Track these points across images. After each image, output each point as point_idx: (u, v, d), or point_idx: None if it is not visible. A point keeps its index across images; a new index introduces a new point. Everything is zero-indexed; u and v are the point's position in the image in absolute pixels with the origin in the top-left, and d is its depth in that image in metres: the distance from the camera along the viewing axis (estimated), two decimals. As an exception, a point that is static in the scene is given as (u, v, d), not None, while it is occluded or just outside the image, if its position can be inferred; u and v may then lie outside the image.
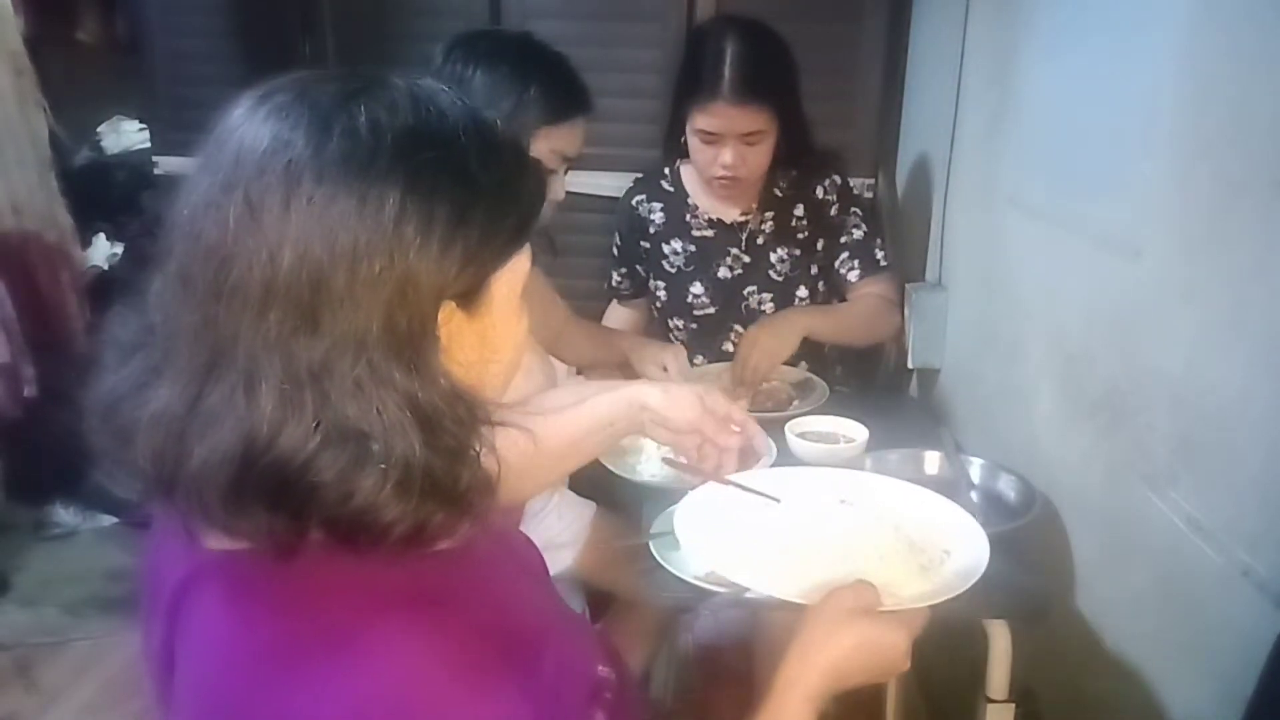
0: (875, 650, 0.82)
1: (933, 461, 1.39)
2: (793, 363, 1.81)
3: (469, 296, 0.63)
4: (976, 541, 0.95)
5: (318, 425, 0.57)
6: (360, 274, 0.57)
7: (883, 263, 1.85)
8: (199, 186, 0.60)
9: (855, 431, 1.42)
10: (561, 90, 1.36)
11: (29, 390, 2.66)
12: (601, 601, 1.43)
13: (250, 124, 0.60)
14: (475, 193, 0.61)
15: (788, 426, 1.41)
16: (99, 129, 3.28)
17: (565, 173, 1.43)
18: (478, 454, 0.63)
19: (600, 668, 0.74)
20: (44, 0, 2.92)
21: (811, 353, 1.87)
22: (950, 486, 1.30)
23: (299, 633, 0.59)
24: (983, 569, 0.90)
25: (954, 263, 1.88)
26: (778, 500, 1.00)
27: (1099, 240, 1.28)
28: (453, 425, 0.61)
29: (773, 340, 1.70)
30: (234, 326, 0.57)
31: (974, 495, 1.35)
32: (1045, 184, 1.47)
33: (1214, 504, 1.03)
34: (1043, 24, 1.49)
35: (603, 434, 1.05)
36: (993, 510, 1.31)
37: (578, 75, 1.40)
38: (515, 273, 0.67)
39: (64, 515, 2.87)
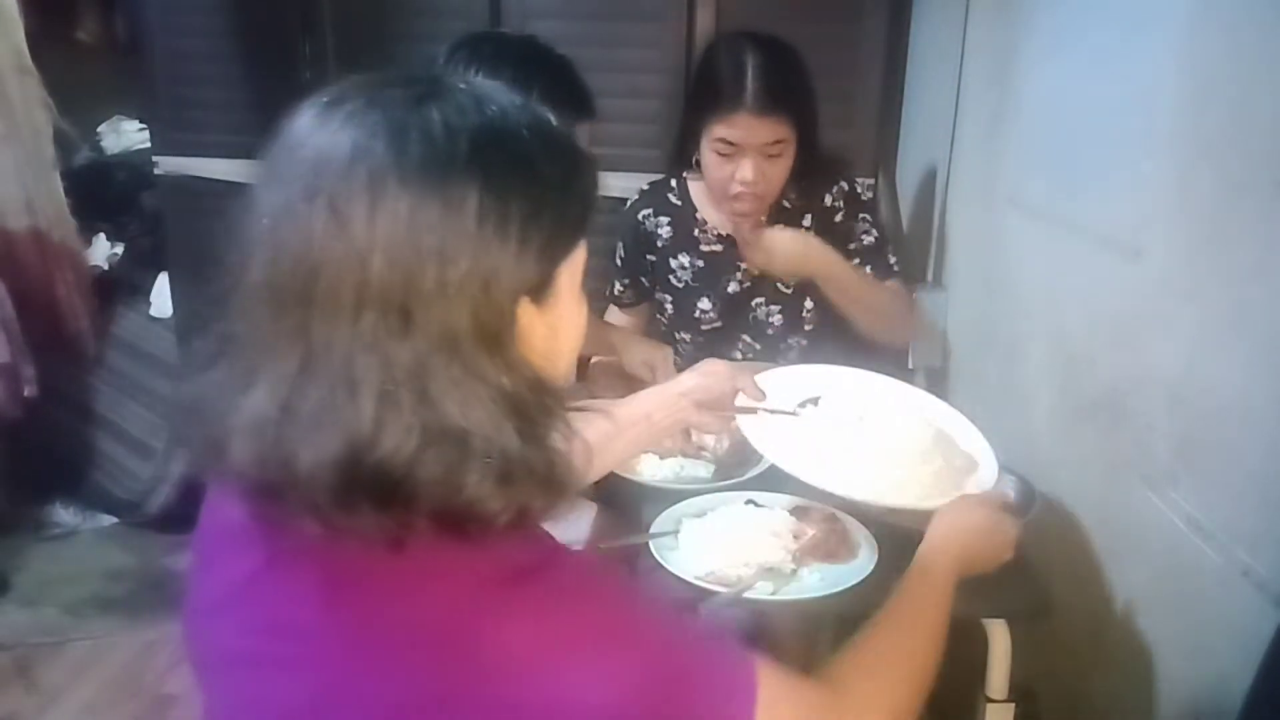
0: (995, 533, 1.01)
1: None
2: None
3: (541, 289, 0.65)
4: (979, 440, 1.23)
5: (419, 423, 0.59)
6: (448, 274, 0.59)
7: (895, 267, 1.81)
8: (275, 196, 0.62)
9: None
10: (564, 95, 1.36)
11: (29, 390, 2.66)
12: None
13: (324, 133, 0.61)
14: (543, 188, 0.63)
15: None
16: (99, 129, 3.27)
17: None
18: (566, 438, 0.66)
19: None
20: (44, 0, 2.92)
21: (814, 345, 1.87)
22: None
23: (413, 615, 0.62)
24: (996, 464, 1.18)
25: (954, 263, 1.88)
26: (796, 414, 1.17)
27: (1099, 240, 1.28)
28: (540, 414, 0.64)
29: (795, 245, 1.64)
30: (328, 332, 0.59)
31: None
32: (1045, 184, 1.47)
33: (1214, 504, 1.03)
34: (1043, 24, 1.49)
35: (641, 426, 1.14)
36: None
37: (581, 79, 1.39)
38: (577, 263, 0.69)
39: (64, 515, 2.87)
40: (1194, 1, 1.07)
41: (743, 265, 1.80)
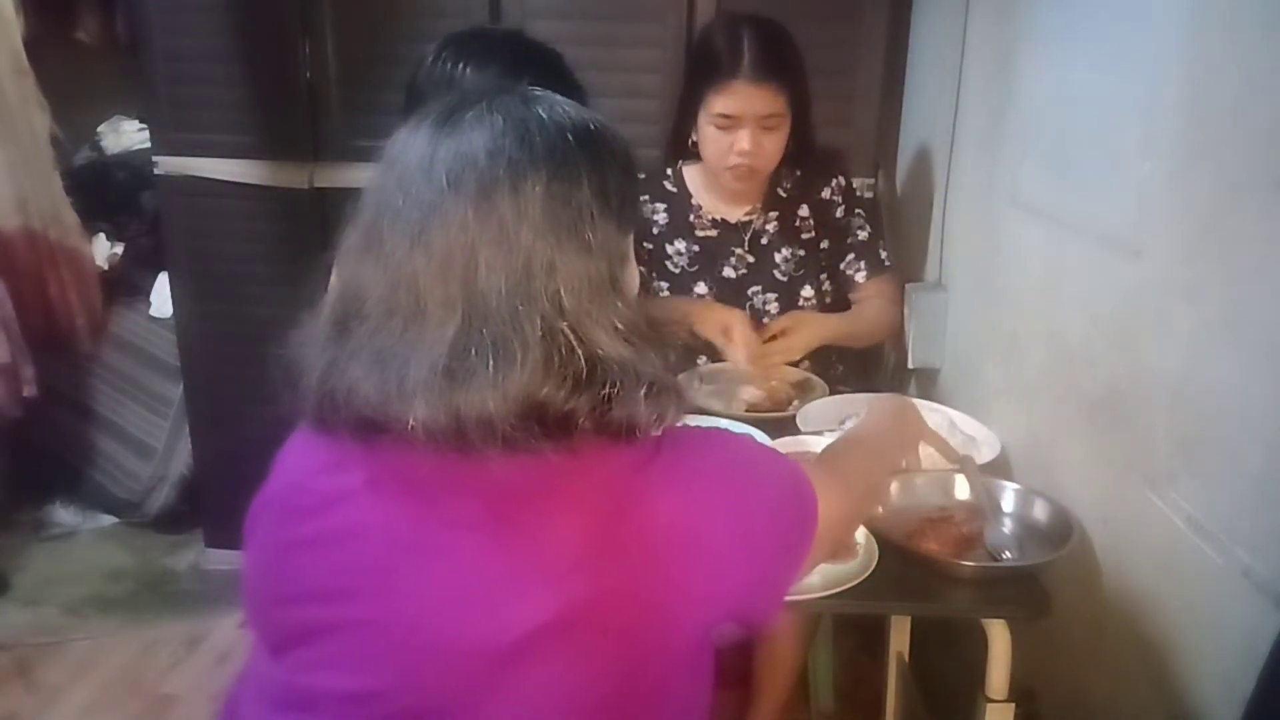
0: (910, 424, 1.24)
1: (963, 485, 1.36)
2: (793, 362, 1.81)
3: (626, 252, 0.79)
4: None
5: (581, 357, 0.71)
6: (580, 238, 0.73)
7: (887, 262, 1.87)
8: (420, 195, 0.73)
9: None
10: (553, 87, 1.35)
11: (29, 390, 2.66)
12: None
13: (454, 138, 0.74)
14: (620, 168, 0.78)
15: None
16: (99, 129, 3.27)
17: None
18: (677, 358, 0.80)
19: None
20: (44, 0, 2.92)
21: (812, 352, 1.87)
22: (979, 511, 1.30)
23: (596, 520, 0.73)
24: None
25: (954, 263, 1.88)
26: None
27: (1099, 240, 1.28)
28: (659, 339, 0.77)
29: (811, 329, 1.77)
30: (492, 296, 0.71)
31: (1007, 524, 1.32)
32: (1045, 184, 1.47)
33: (1214, 504, 1.03)
34: (1043, 23, 1.49)
35: None
36: (1029, 539, 1.28)
37: (570, 71, 1.38)
38: (633, 234, 0.82)
39: (64, 515, 2.87)
40: (1194, 1, 1.07)
41: (737, 250, 1.82)
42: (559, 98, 0.80)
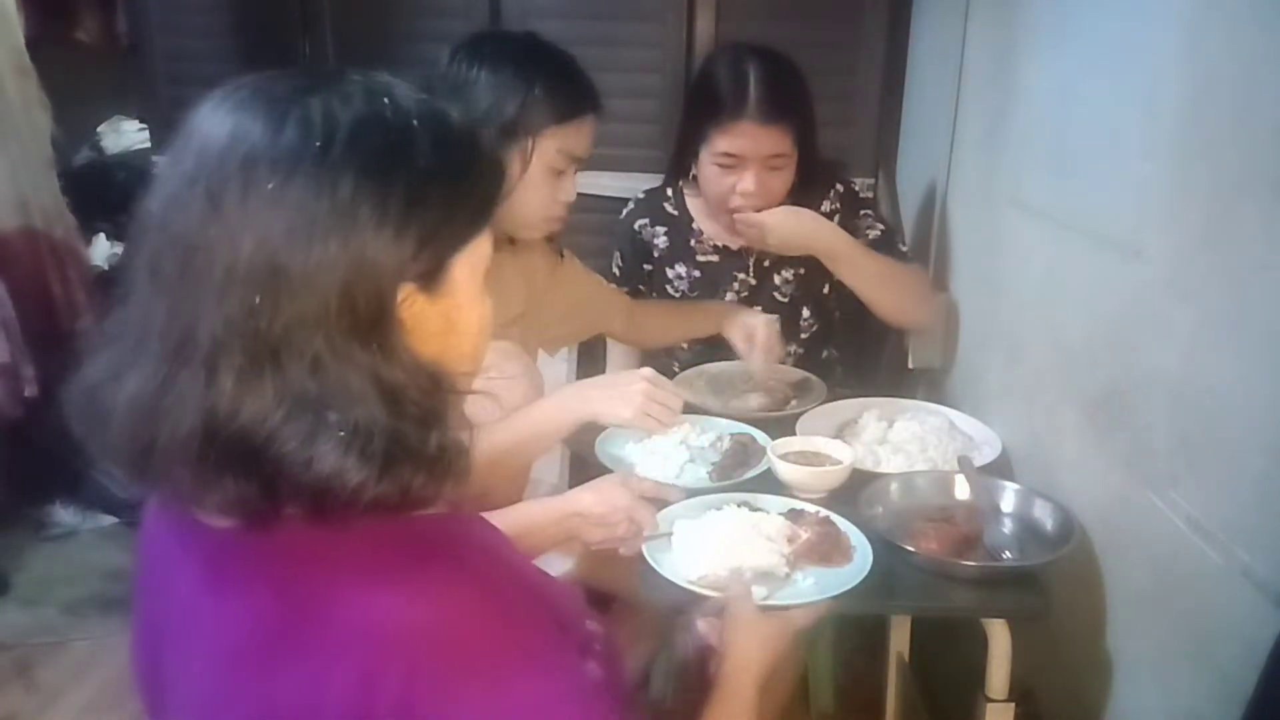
0: (780, 642, 1.00)
1: (963, 485, 1.35)
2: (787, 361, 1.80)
3: (429, 278, 0.65)
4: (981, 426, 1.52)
5: (278, 400, 0.60)
6: (315, 255, 0.60)
7: (908, 256, 1.79)
8: (167, 182, 0.63)
9: (840, 452, 1.39)
10: (567, 89, 1.36)
11: (29, 390, 2.66)
12: (601, 602, 1.43)
13: (213, 120, 0.63)
14: (428, 178, 0.64)
15: (770, 448, 1.40)
16: (99, 129, 3.28)
17: (575, 172, 1.41)
18: (446, 419, 0.66)
19: (588, 622, 0.77)
20: (44, 0, 2.92)
21: (811, 353, 1.87)
22: (979, 512, 1.29)
23: (278, 609, 0.63)
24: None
25: (954, 263, 1.88)
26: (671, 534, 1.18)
27: (1099, 240, 1.28)
28: (418, 395, 0.64)
29: (790, 220, 1.60)
30: (197, 311, 0.60)
31: (1008, 525, 1.30)
32: (1045, 184, 1.47)
33: (1214, 504, 1.03)
34: (1042, 23, 1.49)
35: (523, 543, 1.04)
36: (1030, 539, 1.27)
37: (584, 74, 1.39)
38: (477, 256, 0.70)
39: (64, 515, 2.87)
40: (1194, 1, 1.07)
41: (740, 275, 1.80)
42: (389, 87, 0.66)
